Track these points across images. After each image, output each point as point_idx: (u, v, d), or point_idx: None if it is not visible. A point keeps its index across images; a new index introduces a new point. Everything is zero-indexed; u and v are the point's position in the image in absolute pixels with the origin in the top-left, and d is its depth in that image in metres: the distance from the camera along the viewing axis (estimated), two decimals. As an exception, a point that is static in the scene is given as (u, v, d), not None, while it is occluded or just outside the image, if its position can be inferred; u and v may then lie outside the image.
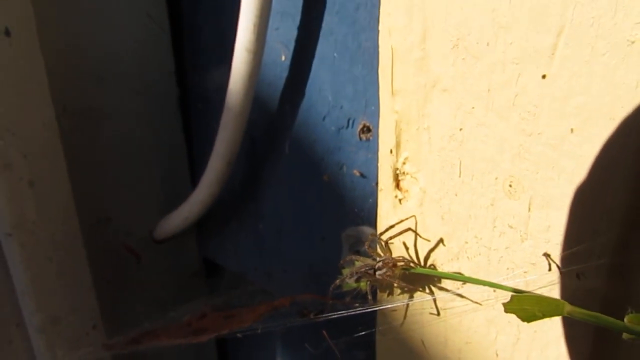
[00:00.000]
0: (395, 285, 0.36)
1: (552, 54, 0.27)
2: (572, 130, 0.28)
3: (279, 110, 0.56)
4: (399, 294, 0.39)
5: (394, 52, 0.33)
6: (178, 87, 0.63)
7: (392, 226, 0.36)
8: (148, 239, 0.63)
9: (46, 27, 0.49)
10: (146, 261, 0.64)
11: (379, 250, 0.36)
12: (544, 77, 0.28)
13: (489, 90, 0.30)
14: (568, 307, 0.24)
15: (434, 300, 0.37)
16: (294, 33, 0.52)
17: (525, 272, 0.32)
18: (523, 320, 0.25)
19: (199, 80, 0.63)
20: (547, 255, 0.31)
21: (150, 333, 0.46)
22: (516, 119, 0.29)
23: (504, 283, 0.33)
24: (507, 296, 0.33)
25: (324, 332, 0.36)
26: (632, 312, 0.23)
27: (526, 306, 0.25)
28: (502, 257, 0.33)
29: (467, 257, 0.34)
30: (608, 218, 0.28)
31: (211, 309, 0.49)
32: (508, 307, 0.25)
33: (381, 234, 0.36)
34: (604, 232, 0.28)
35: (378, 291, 0.40)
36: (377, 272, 0.34)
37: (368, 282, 0.34)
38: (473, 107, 0.31)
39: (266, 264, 0.61)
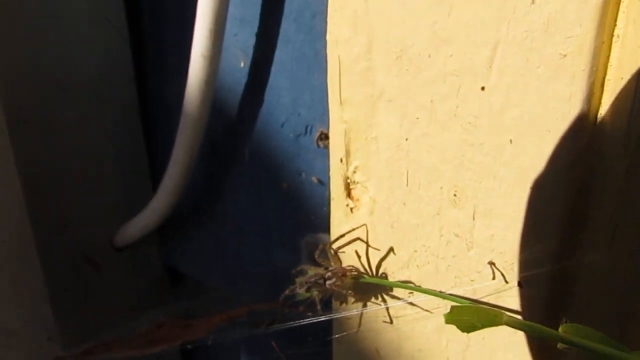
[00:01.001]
0: (345, 294, 0.37)
1: (490, 66, 0.28)
2: (510, 141, 0.28)
3: (238, 116, 0.55)
4: (353, 302, 0.39)
5: (341, 62, 0.34)
6: (138, 93, 0.63)
7: (342, 235, 0.36)
8: (108, 247, 0.62)
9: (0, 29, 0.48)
10: (106, 269, 0.63)
11: (331, 259, 0.36)
12: (482, 88, 0.28)
13: (431, 101, 0.30)
14: (505, 317, 0.25)
15: (387, 309, 0.37)
16: (252, 39, 0.52)
17: (472, 280, 0.32)
18: (462, 330, 0.25)
19: (159, 86, 0.63)
20: (491, 263, 0.31)
21: (103, 345, 0.46)
22: (458, 130, 0.30)
23: (451, 291, 0.33)
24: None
25: (274, 343, 0.36)
26: (566, 322, 0.23)
27: (465, 317, 0.25)
28: (449, 265, 0.33)
29: (417, 266, 0.35)
30: (548, 226, 0.29)
31: (169, 318, 0.48)
32: (448, 318, 0.25)
33: (331, 243, 0.36)
34: (544, 240, 0.29)
35: (333, 300, 0.40)
36: (327, 282, 0.34)
37: (318, 292, 0.34)
38: (417, 118, 0.31)
39: (227, 270, 0.61)
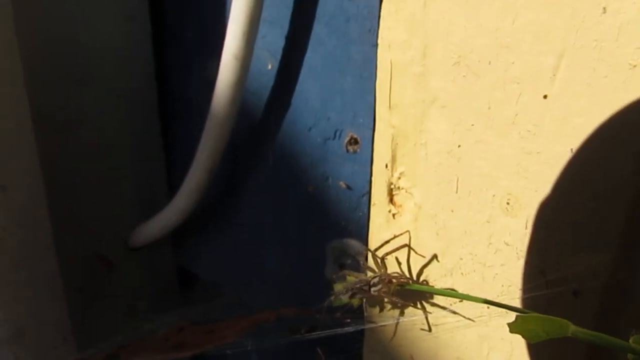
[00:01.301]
0: (387, 301, 0.36)
1: (554, 75, 0.27)
2: (571, 150, 0.28)
3: (263, 119, 0.55)
4: (388, 310, 0.38)
5: (393, 66, 0.33)
6: (158, 91, 0.62)
7: (387, 242, 0.36)
8: (122, 247, 0.61)
9: (24, 26, 0.48)
10: (120, 269, 0.62)
11: (372, 265, 0.36)
12: (545, 97, 0.28)
13: (489, 107, 0.30)
14: (572, 327, 0.24)
15: (426, 317, 0.36)
16: (281, 42, 0.51)
17: (520, 289, 0.32)
18: (528, 340, 0.25)
19: (180, 85, 0.62)
20: (542, 273, 0.31)
21: (126, 348, 0.45)
22: (516, 137, 0.30)
23: (498, 301, 0.33)
24: (500, 313, 0.33)
25: (319, 349, 0.35)
26: (636, 333, 0.23)
27: (530, 326, 0.25)
28: (497, 274, 0.33)
29: (461, 274, 0.34)
30: (604, 238, 0.29)
31: (189, 322, 0.47)
32: (513, 327, 0.25)
33: (376, 249, 0.36)
34: (600, 251, 0.29)
35: (367, 307, 0.40)
36: (372, 289, 0.33)
37: (363, 299, 0.34)
38: (472, 124, 0.31)
39: (245, 274, 0.60)
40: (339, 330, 0.35)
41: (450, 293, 0.33)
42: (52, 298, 0.53)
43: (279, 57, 0.52)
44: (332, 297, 0.35)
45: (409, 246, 0.35)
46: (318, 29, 0.49)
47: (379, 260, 0.35)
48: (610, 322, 0.30)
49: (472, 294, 0.34)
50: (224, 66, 0.49)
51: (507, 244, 0.32)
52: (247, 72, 0.50)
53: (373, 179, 0.37)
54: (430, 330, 0.37)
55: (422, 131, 0.33)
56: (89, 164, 0.57)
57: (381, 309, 0.37)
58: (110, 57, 0.56)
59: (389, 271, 0.36)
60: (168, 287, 0.67)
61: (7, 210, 0.49)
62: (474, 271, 0.34)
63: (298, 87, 0.52)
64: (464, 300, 0.34)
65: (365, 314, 0.34)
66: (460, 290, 0.35)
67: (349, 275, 0.36)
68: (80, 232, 0.58)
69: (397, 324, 0.38)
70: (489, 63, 0.29)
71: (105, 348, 0.48)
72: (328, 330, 0.35)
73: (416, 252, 0.35)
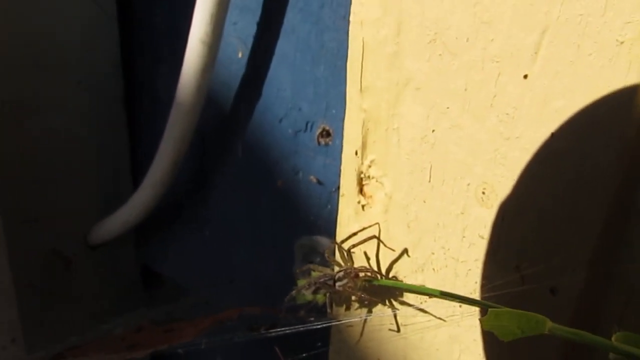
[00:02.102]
0: (354, 298, 0.34)
1: (536, 52, 0.26)
2: (552, 135, 0.26)
3: (233, 109, 0.52)
4: (356, 309, 0.36)
5: (365, 45, 0.31)
6: (124, 80, 0.59)
7: (354, 233, 0.33)
8: (82, 244, 0.58)
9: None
10: (79, 267, 0.58)
11: (338, 259, 0.33)
12: (525, 77, 0.26)
13: (465, 89, 0.28)
14: (550, 324, 0.22)
15: (395, 316, 0.34)
16: (253, 29, 0.49)
17: (494, 286, 0.30)
18: (501, 337, 0.23)
19: (148, 76, 0.59)
20: (518, 268, 0.29)
21: (77, 348, 0.41)
22: (493, 121, 0.28)
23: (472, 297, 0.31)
24: (472, 312, 0.31)
25: (277, 348, 0.33)
26: (618, 331, 0.21)
27: (504, 322, 0.23)
28: (470, 269, 0.31)
29: (433, 269, 0.32)
30: (585, 230, 0.27)
31: (149, 322, 0.44)
32: (485, 323, 0.23)
33: (342, 241, 0.33)
34: (579, 245, 0.27)
35: (333, 304, 0.37)
36: (338, 283, 0.31)
37: (327, 294, 0.31)
38: (448, 107, 0.29)
39: (211, 272, 0.57)
40: (299, 328, 0.32)
41: (424, 289, 0.31)
42: (1, 297, 0.50)
43: (250, 44, 0.50)
44: (293, 292, 0.32)
45: (377, 238, 0.33)
46: (291, 16, 0.47)
47: (345, 253, 0.32)
48: (588, 321, 0.28)
49: (445, 290, 0.32)
50: (190, 51, 0.46)
51: (481, 237, 0.30)
52: (214, 58, 0.47)
53: (342, 167, 0.34)
54: (399, 330, 0.35)
55: (395, 115, 0.31)
56: (46, 153, 0.54)
57: (347, 307, 0.35)
58: (73, 42, 0.54)
59: (361, 265, 0.33)
60: (131, 286, 0.63)
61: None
62: (447, 266, 0.31)
63: (269, 76, 0.49)
64: (435, 298, 0.32)
65: (328, 310, 0.32)
66: (432, 286, 0.32)
67: (314, 270, 0.33)
68: (37, 226, 0.55)
69: (364, 323, 0.35)
70: (467, 40, 0.27)
71: (56, 350, 0.45)
72: (287, 328, 0.33)
73: (385, 246, 0.33)
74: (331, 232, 0.43)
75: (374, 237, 0.32)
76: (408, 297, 0.34)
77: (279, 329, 0.34)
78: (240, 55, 0.50)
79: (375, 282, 0.32)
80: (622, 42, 0.23)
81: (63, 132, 0.55)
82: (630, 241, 0.26)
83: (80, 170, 0.57)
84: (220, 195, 0.55)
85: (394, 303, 0.34)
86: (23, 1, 0.49)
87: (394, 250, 0.33)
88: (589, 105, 0.25)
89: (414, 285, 0.32)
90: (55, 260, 0.57)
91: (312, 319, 0.33)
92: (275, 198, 0.51)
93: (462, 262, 0.31)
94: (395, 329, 0.35)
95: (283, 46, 0.48)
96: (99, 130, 0.58)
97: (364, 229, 0.34)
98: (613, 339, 0.21)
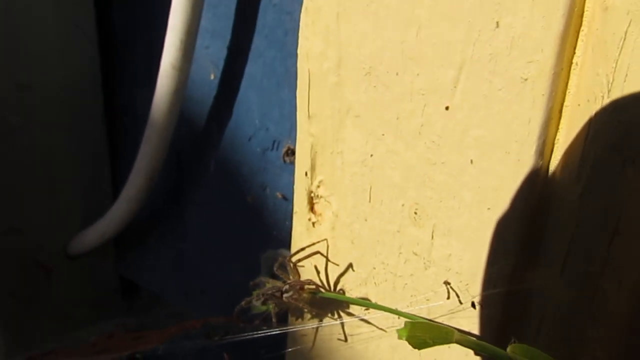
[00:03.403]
0: (306, 310, 0.36)
1: (455, 86, 0.28)
2: (471, 161, 0.29)
3: (206, 128, 0.55)
4: (309, 319, 0.38)
5: (311, 76, 0.34)
6: (105, 100, 0.62)
7: (302, 249, 0.36)
8: (61, 254, 0.60)
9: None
10: (58, 277, 0.61)
11: (289, 272, 0.36)
12: (447, 108, 0.29)
13: (397, 118, 0.31)
14: (457, 335, 0.25)
15: (342, 326, 0.36)
16: (223, 53, 0.52)
17: (427, 299, 0.32)
18: (414, 347, 0.25)
19: (127, 95, 0.62)
20: (447, 283, 0.31)
21: (49, 353, 0.44)
22: (422, 148, 0.30)
23: (407, 310, 0.33)
24: (411, 323, 0.33)
25: (226, 355, 0.35)
26: (515, 342, 0.24)
27: (418, 333, 0.25)
28: (406, 284, 0.33)
29: (375, 283, 0.35)
30: (504, 249, 0.29)
31: (121, 329, 0.46)
32: (401, 334, 0.25)
33: (291, 256, 0.36)
34: (500, 262, 0.29)
35: (289, 315, 0.40)
36: (284, 295, 0.33)
37: (274, 305, 0.34)
38: (383, 134, 0.31)
39: (185, 283, 0.59)
40: (247, 336, 0.35)
41: (359, 302, 0.33)
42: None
43: (221, 67, 0.53)
44: (243, 303, 0.35)
45: (321, 254, 0.35)
46: (258, 41, 0.49)
47: (292, 267, 0.35)
48: (513, 332, 0.31)
49: (384, 303, 0.34)
50: (162, 75, 0.49)
51: (415, 254, 0.32)
52: (186, 81, 0.50)
53: (295, 187, 0.37)
54: (346, 340, 0.37)
55: (338, 140, 0.34)
56: (27, 166, 0.57)
57: (300, 318, 0.37)
58: (55, 63, 0.56)
59: (306, 278, 0.36)
60: (109, 296, 0.66)
61: None
62: (386, 281, 0.34)
63: (239, 98, 0.52)
64: (377, 310, 0.34)
65: (273, 320, 0.34)
66: (374, 299, 0.35)
67: (267, 282, 0.36)
68: (19, 237, 0.57)
69: (315, 333, 0.38)
70: (397, 74, 0.30)
71: (30, 354, 0.47)
72: (239, 335, 0.35)
73: (329, 261, 0.35)
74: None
75: (318, 252, 0.35)
76: (354, 308, 0.36)
77: (231, 337, 0.36)
78: (212, 77, 0.53)
79: (319, 295, 0.34)
80: (526, 79, 0.26)
81: (45, 146, 0.58)
82: (542, 264, 0.28)
83: (61, 184, 0.60)
84: (194, 209, 0.58)
85: (342, 314, 0.37)
86: (8, 25, 0.52)
87: (338, 265, 0.36)
88: (501, 137, 0.27)
89: (351, 298, 0.34)
90: (35, 269, 0.59)
91: (265, 327, 0.36)
92: (245, 212, 0.53)
93: (399, 276, 0.33)
94: (344, 338, 0.37)
95: (251, 70, 0.50)
96: (80, 146, 0.61)
97: (313, 244, 0.36)
98: (508, 350, 0.23)
